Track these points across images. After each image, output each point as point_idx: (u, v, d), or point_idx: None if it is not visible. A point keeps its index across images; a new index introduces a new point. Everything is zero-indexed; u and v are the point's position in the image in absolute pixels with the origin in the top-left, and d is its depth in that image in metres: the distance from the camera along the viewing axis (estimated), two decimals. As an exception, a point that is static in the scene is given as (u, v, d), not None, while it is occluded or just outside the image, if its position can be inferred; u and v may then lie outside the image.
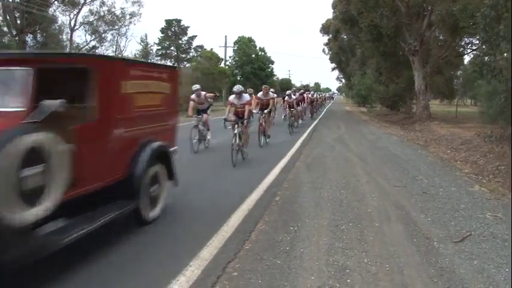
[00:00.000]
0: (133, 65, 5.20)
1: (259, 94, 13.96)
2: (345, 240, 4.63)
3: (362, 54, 39.13)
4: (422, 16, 23.59)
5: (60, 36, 35.67)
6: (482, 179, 8.27)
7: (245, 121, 9.59)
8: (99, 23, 39.68)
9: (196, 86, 11.66)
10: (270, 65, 71.46)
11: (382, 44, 25.04)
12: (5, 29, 30.15)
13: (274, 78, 77.48)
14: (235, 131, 9.41)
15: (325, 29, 51.79)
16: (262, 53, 69.85)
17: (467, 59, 31.00)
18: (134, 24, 48.70)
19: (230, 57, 64.73)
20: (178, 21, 65.20)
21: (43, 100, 3.34)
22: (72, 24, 37.49)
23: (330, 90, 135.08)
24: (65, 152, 3.45)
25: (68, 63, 4.15)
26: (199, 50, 63.52)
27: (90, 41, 40.41)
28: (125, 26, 41.22)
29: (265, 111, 12.73)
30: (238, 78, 58.35)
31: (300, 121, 21.08)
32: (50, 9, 33.48)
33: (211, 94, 12.87)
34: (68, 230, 3.66)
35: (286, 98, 19.02)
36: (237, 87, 10.00)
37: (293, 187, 7.25)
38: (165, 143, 5.41)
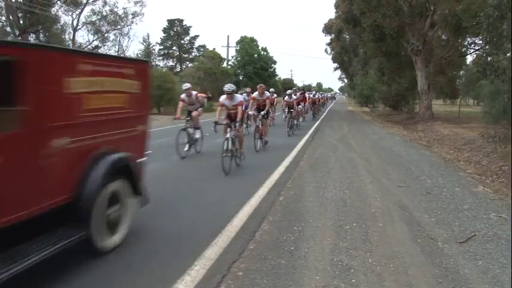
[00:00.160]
0: (81, 57, 4.07)
1: (255, 94, 12.96)
2: (349, 240, 4.64)
3: (364, 54, 39.10)
4: (425, 16, 23.57)
5: (63, 36, 35.73)
6: (486, 179, 8.26)
7: (237, 124, 8.74)
8: (102, 22, 39.80)
9: (187, 85, 10.68)
10: (272, 65, 71.46)
11: (384, 44, 25.03)
12: (8, 29, 30.23)
13: (277, 78, 77.51)
14: (227, 135, 8.42)
15: (327, 28, 51.79)
16: (265, 53, 69.85)
17: (469, 59, 31.03)
18: (136, 24, 48.88)
19: (232, 57, 64.83)
20: (181, 21, 65.37)
21: None
22: (75, 24, 37.64)
23: (332, 90, 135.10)
24: None
25: None
26: (202, 49, 63.66)
27: (93, 40, 40.56)
28: (127, 25, 41.34)
29: (262, 112, 11.87)
30: (241, 78, 58.42)
31: (301, 119, 20.63)
32: (53, 9, 33.59)
33: (203, 94, 11.70)
34: None
35: (286, 98, 17.97)
36: (228, 86, 8.96)
37: (297, 187, 7.26)
38: (130, 153, 4.44)
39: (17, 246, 3.22)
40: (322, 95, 45.51)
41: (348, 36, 44.98)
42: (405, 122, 25.16)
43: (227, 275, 3.73)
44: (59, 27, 34.94)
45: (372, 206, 6.06)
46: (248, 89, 17.08)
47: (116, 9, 39.64)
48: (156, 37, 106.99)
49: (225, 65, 51.58)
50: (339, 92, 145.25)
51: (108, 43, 42.02)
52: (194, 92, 10.69)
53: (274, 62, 72.00)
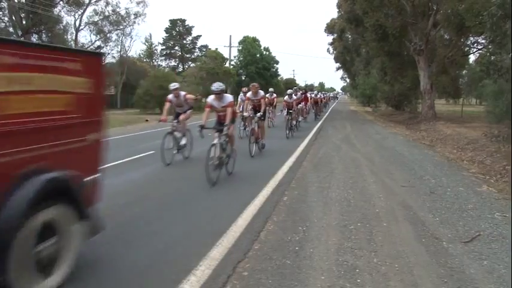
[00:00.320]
0: None
1: (249, 94, 12.24)
2: (353, 240, 4.64)
3: (367, 53, 39.18)
4: (428, 15, 23.54)
5: (65, 37, 35.90)
6: (490, 178, 8.25)
7: (225, 128, 7.77)
8: (104, 22, 39.99)
9: (175, 85, 9.80)
10: (275, 64, 71.49)
11: (387, 43, 25.01)
12: (11, 29, 30.34)
13: (279, 78, 77.53)
14: (215, 141, 7.46)
15: (329, 28, 51.85)
16: (267, 53, 69.88)
17: (472, 58, 31.01)
18: (138, 24, 49.24)
19: (235, 57, 64.88)
20: (183, 21, 65.60)
21: None
22: (77, 24, 37.81)
23: (335, 90, 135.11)
24: None
25: None
26: (204, 49, 63.79)
27: (95, 41, 40.73)
28: (130, 26, 41.53)
29: (258, 114, 11.18)
30: (243, 78, 58.45)
31: (301, 118, 20.06)
32: (55, 9, 33.72)
33: (192, 96, 10.52)
34: None
35: (286, 97, 17.24)
36: (216, 85, 7.90)
37: (301, 187, 7.26)
38: (73, 170, 3.47)
39: None
40: (325, 95, 45.49)
41: (350, 36, 45.11)
42: (408, 121, 25.13)
43: (232, 275, 3.73)
44: (61, 27, 35.16)
45: (376, 206, 6.06)
46: (245, 89, 16.48)
47: (118, 9, 39.83)
48: (159, 37, 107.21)
49: (227, 65, 51.63)
50: (341, 91, 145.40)
51: (110, 43, 42.27)
52: (183, 93, 9.91)
53: (277, 62, 72.07)
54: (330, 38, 56.33)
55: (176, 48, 66.05)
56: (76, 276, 3.52)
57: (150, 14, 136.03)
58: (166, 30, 65.36)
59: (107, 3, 39.75)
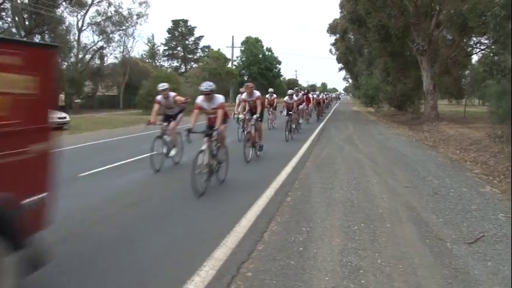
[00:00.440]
0: None
1: (244, 95, 11.26)
2: (357, 241, 4.63)
3: (369, 54, 39.15)
4: (431, 16, 23.52)
5: (68, 37, 35.99)
6: (493, 179, 8.23)
7: (214, 133, 6.97)
8: (107, 23, 40.13)
9: (164, 85, 9.08)
10: (277, 65, 71.53)
11: (390, 44, 25.00)
12: (14, 30, 30.41)
13: (281, 78, 77.55)
14: (203, 147, 6.77)
15: (332, 29, 51.88)
16: (269, 53, 69.92)
17: (475, 58, 30.99)
18: (141, 24, 49.30)
19: (237, 57, 64.96)
20: (185, 21, 65.63)
21: None
22: (80, 24, 37.92)
23: (337, 91, 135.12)
24: None
25: None
26: (206, 50, 63.86)
27: (98, 41, 40.84)
28: (132, 26, 41.65)
29: (255, 116, 10.38)
30: (246, 79, 58.47)
31: (301, 120, 19.40)
32: (58, 10, 33.82)
33: (182, 98, 9.50)
34: None
35: (286, 98, 16.49)
36: (206, 85, 7.08)
37: (304, 187, 7.26)
38: (6, 190, 2.73)
39: None
40: (327, 96, 45.45)
41: (352, 37, 45.12)
42: (410, 122, 25.10)
43: (236, 275, 3.73)
44: (64, 28, 35.22)
45: (380, 207, 6.05)
46: (243, 89, 15.80)
47: (120, 10, 39.94)
48: (161, 38, 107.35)
49: (229, 65, 51.70)
50: (343, 92, 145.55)
51: (113, 44, 42.38)
52: (172, 94, 9.22)
53: (279, 63, 72.15)
54: (333, 39, 56.52)
55: (178, 48, 66.11)
56: (77, 276, 3.53)
57: (153, 15, 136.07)
58: (169, 31, 65.43)
59: (110, 4, 39.90)
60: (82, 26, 38.45)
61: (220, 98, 7.34)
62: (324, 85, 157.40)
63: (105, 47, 42.75)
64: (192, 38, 66.59)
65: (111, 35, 41.74)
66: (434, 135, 17.17)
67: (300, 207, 5.98)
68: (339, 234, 4.87)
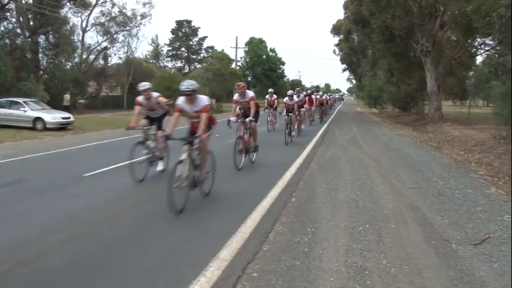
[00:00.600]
0: None
1: (235, 96, 9.76)
2: (362, 242, 4.63)
3: (373, 55, 39.15)
4: (435, 17, 23.51)
5: (72, 37, 36.05)
6: (498, 181, 8.20)
7: (196, 140, 5.97)
8: (111, 23, 40.22)
9: (145, 84, 8.05)
10: (281, 66, 71.54)
11: (394, 44, 24.99)
12: (18, 30, 30.51)
13: (285, 79, 77.56)
14: (183, 157, 5.76)
15: (336, 29, 51.92)
16: (273, 54, 69.96)
17: (479, 59, 30.92)
18: (145, 25, 49.42)
19: (241, 58, 65.01)
20: (189, 22, 65.74)
21: None
22: (84, 25, 38.04)
23: (340, 91, 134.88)
24: None
25: None
26: (210, 50, 63.93)
27: (102, 41, 40.94)
28: (136, 27, 41.74)
29: (247, 119, 9.20)
30: (249, 79, 58.52)
31: (303, 126, 17.90)
32: (62, 10, 33.90)
33: (164, 99, 8.33)
34: None
35: (286, 99, 15.11)
36: (187, 84, 6.04)
37: (309, 188, 7.26)
38: None
39: None
40: (331, 96, 45.33)
41: (356, 37, 45.09)
42: (414, 123, 25.06)
43: (242, 276, 3.74)
44: (68, 28, 35.27)
45: (384, 208, 6.05)
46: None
47: (124, 11, 40.04)
48: (165, 38, 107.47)
49: (233, 66, 51.71)
50: (347, 93, 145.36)
51: (117, 44, 42.47)
52: (155, 94, 8.19)
53: (283, 63, 72.20)
54: (336, 39, 56.54)
55: (182, 49, 66.21)
56: (79, 276, 3.54)
57: (156, 15, 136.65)
58: (173, 31, 65.57)
59: (113, 5, 40.03)
60: (86, 26, 38.59)
61: (204, 100, 6.24)
62: (327, 86, 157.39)
63: (109, 48, 42.83)
64: (196, 39, 66.73)
65: (115, 36, 41.82)
66: (438, 136, 17.13)
67: (305, 208, 5.98)
68: (344, 235, 4.86)
